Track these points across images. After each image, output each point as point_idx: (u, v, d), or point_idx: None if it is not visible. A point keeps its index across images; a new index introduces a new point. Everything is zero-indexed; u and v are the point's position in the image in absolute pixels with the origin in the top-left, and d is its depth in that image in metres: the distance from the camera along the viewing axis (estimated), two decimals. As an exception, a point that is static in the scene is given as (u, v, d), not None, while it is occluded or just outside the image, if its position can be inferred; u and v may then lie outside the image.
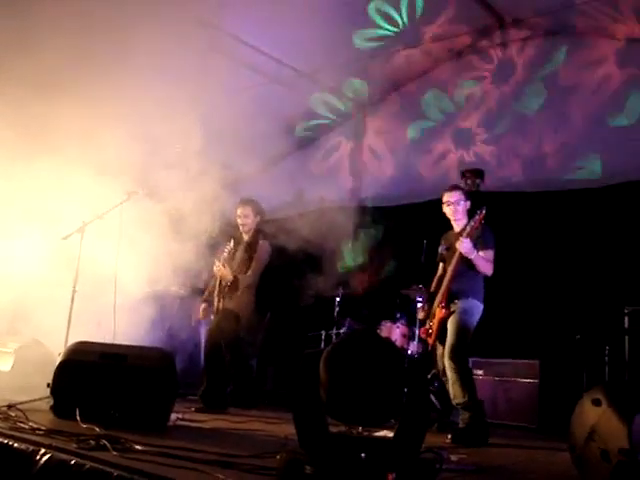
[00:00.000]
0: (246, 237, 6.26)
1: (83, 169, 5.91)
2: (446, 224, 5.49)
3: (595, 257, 6.75)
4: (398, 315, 7.18)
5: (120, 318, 5.75)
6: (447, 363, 4.85)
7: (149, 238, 6.36)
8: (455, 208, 5.21)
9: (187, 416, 4.80)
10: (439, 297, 5.08)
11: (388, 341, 2.72)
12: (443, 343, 5.00)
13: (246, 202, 6.32)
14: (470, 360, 5.30)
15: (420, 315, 5.43)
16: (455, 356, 4.81)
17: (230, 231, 6.52)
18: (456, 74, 8.54)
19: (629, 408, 2.73)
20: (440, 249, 5.32)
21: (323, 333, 7.70)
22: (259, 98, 8.07)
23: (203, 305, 6.40)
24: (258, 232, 6.28)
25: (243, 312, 6.07)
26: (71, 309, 5.38)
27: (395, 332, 7.03)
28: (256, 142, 8.92)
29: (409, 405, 2.62)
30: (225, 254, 6.13)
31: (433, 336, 5.11)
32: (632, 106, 6.96)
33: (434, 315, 5.12)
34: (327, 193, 9.22)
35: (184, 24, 6.87)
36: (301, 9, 7.11)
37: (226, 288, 6.07)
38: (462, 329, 4.88)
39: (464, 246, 4.81)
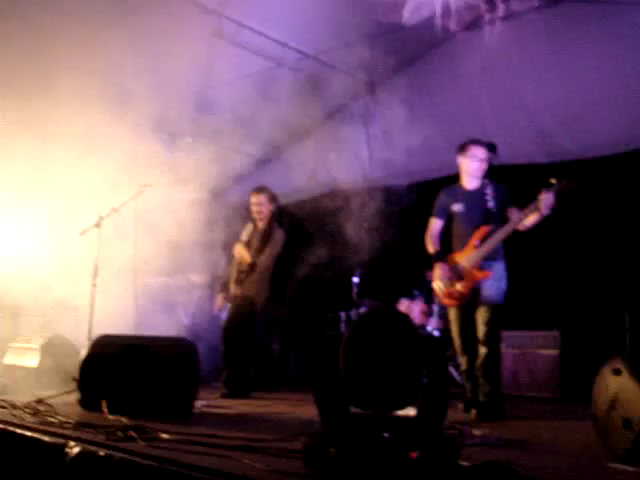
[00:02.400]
0: (261, 225, 6.29)
1: (97, 163, 5.97)
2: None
3: (614, 227, 6.70)
4: (416, 292, 7.21)
5: (142, 309, 5.83)
6: (483, 333, 4.69)
7: (167, 228, 6.42)
8: (482, 166, 5.01)
9: (212, 403, 4.87)
10: (475, 258, 4.79)
11: (403, 319, 2.71)
12: (464, 306, 4.86)
13: (260, 190, 6.36)
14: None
15: (439, 281, 4.97)
16: (493, 326, 4.69)
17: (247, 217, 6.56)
18: (465, 49, 8.45)
19: (650, 375, 2.75)
20: (456, 207, 5.04)
21: (342, 314, 7.74)
22: (265, 82, 8.07)
23: (220, 294, 6.50)
24: (273, 219, 6.32)
25: (258, 298, 6.12)
26: (92, 303, 5.46)
27: (414, 310, 7.06)
28: (266, 128, 8.95)
29: (429, 383, 2.65)
30: (243, 237, 6.21)
31: (464, 299, 4.84)
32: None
33: (463, 277, 4.83)
34: (340, 176, 9.22)
35: (187, 11, 6.89)
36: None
37: (243, 274, 6.12)
38: (500, 299, 4.78)
39: (551, 198, 4.66)
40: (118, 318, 5.68)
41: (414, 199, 8.09)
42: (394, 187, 8.52)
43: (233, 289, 6.18)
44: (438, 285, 4.96)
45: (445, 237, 5.19)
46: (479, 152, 5.03)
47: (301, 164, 9.38)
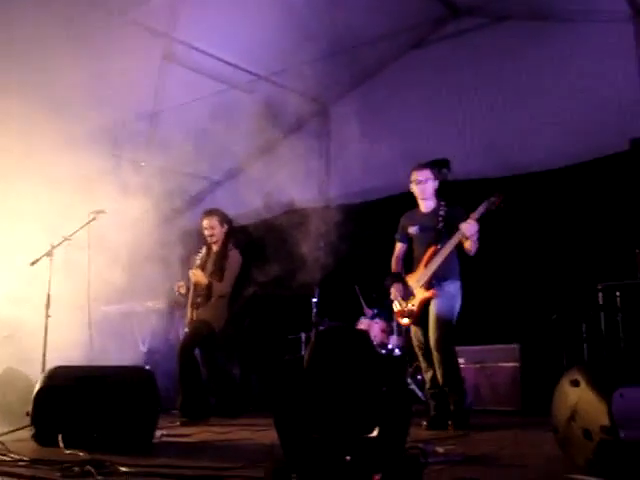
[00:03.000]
0: (215, 247, 6.20)
1: (47, 191, 5.86)
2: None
3: (565, 237, 6.83)
4: (376, 311, 7.21)
5: (97, 338, 5.69)
6: (435, 350, 4.91)
7: (122, 254, 6.32)
8: (424, 187, 5.22)
9: (172, 431, 4.76)
10: (423, 278, 5.05)
11: (361, 337, 2.69)
12: (421, 324, 5.07)
13: (210, 213, 6.27)
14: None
15: (397, 305, 5.27)
16: (444, 343, 4.90)
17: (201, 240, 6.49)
18: (416, 66, 8.56)
19: (607, 385, 2.77)
20: (412, 230, 5.28)
21: (303, 335, 7.69)
22: (219, 105, 8.05)
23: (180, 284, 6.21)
24: (227, 241, 6.21)
25: (217, 322, 6.01)
26: (46, 334, 5.32)
27: (374, 328, 7.06)
28: (221, 149, 8.90)
29: (390, 403, 2.62)
30: (197, 261, 6.11)
31: (414, 317, 5.10)
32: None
33: (413, 296, 5.11)
34: (296, 195, 9.21)
35: (137, 35, 6.86)
36: (254, 13, 7.11)
37: (199, 298, 6.01)
38: (450, 317, 4.97)
39: (472, 228, 4.85)
40: (73, 348, 5.55)
41: (371, 217, 8.13)
42: (351, 205, 8.56)
43: (189, 312, 6.06)
44: (395, 305, 5.26)
45: (407, 259, 5.43)
46: (418, 175, 5.25)
47: (257, 184, 9.36)
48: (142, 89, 7.49)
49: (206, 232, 6.21)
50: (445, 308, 4.97)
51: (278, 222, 7.80)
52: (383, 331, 7.04)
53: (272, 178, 9.11)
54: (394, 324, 6.92)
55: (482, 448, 3.72)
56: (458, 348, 5.93)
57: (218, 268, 6.04)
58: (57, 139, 5.86)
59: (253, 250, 7.23)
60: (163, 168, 7.92)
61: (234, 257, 6.13)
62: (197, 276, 6.00)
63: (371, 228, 8.01)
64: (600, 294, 6.09)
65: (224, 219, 6.25)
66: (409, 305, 5.11)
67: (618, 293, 5.95)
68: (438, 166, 7.61)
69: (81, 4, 6.11)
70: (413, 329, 5.20)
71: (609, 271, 6.24)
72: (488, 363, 6.38)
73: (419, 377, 6.38)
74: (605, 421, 2.68)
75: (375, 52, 8.48)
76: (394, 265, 5.40)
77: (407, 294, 5.14)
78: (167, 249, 6.86)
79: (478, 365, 6.42)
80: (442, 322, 4.93)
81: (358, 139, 9.01)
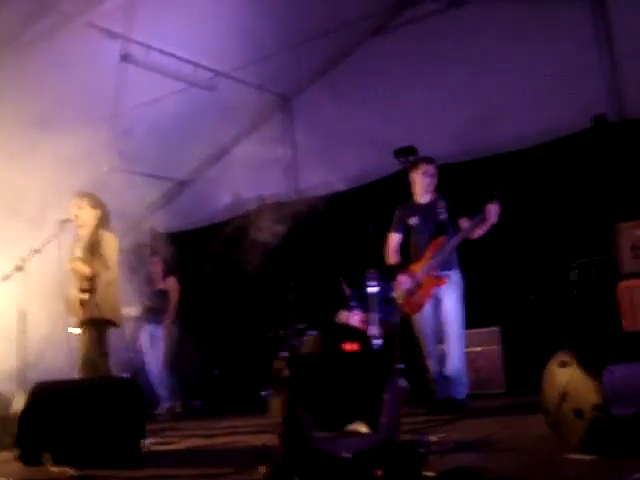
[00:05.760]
0: (85, 231, 5.46)
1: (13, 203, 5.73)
2: (387, 207, 5.57)
3: (537, 216, 6.87)
4: (353, 303, 7.17)
5: (75, 350, 5.55)
6: (453, 336, 5.15)
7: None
8: (433, 181, 5.41)
9: (159, 439, 4.69)
10: (431, 267, 5.19)
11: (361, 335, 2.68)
12: (426, 312, 5.25)
13: (80, 194, 5.52)
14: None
15: (400, 291, 5.37)
16: (459, 330, 5.17)
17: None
18: (376, 54, 8.55)
19: (597, 364, 2.78)
20: (412, 221, 5.40)
21: (281, 333, 7.64)
22: (180, 104, 7.96)
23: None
24: (100, 226, 5.46)
25: (115, 315, 5.35)
26: (21, 350, 5.18)
27: (353, 320, 7.02)
28: (184, 148, 8.80)
29: (382, 397, 2.61)
30: (77, 251, 5.38)
31: (422, 306, 5.26)
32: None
33: (421, 285, 5.24)
34: (264, 190, 9.15)
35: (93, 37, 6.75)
36: (211, 10, 7.03)
37: (84, 291, 5.26)
38: (462, 304, 5.21)
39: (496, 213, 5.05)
40: (51, 363, 5.42)
41: (340, 208, 8.11)
42: (319, 197, 8.52)
43: (82, 312, 5.25)
44: (399, 295, 5.36)
45: (403, 250, 5.52)
46: (430, 169, 5.43)
47: (223, 182, 9.28)
48: (101, 91, 7.35)
49: (73, 212, 5.47)
50: (457, 296, 5.19)
51: (247, 219, 7.73)
52: (363, 322, 7.02)
53: (238, 175, 9.05)
54: (373, 315, 6.88)
55: (473, 434, 3.71)
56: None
57: (91, 255, 5.30)
58: (15, 146, 5.71)
59: (226, 249, 7.16)
60: (126, 171, 7.79)
61: (109, 239, 5.41)
62: (79, 268, 5.26)
63: (341, 220, 7.99)
64: (575, 271, 6.17)
65: (95, 203, 5.51)
66: (417, 295, 5.24)
67: (592, 269, 6.04)
68: (405, 154, 7.66)
69: (35, 8, 5.96)
70: (418, 317, 5.31)
71: (583, 248, 6.31)
72: (470, 347, 6.39)
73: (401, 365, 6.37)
74: (597, 399, 2.69)
75: (334, 42, 8.44)
76: (392, 256, 5.48)
77: (413, 284, 5.25)
78: (135, 253, 6.74)
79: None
80: (457, 310, 5.17)
81: (322, 130, 9.00)
